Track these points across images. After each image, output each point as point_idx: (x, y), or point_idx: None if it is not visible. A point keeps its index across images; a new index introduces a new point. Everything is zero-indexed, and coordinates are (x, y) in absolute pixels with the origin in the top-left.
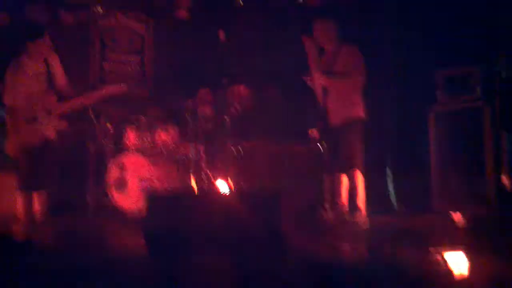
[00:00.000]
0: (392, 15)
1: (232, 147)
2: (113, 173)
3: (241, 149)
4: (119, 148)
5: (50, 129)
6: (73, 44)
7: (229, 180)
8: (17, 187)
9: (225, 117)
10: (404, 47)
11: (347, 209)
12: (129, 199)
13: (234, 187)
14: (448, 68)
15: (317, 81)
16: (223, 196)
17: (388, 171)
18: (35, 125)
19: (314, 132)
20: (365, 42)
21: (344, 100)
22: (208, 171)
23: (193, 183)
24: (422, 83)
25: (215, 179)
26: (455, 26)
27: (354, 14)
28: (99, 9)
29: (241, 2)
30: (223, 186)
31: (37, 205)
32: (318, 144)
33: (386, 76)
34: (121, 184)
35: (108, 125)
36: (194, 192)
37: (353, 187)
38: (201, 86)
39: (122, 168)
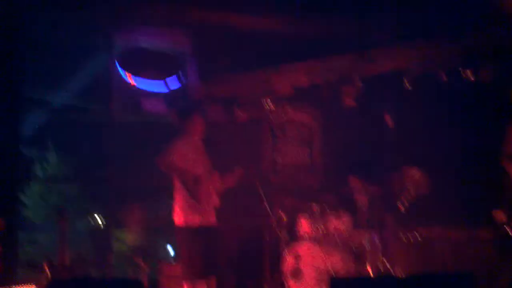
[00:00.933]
0: None
1: (407, 234)
2: (288, 262)
3: (418, 236)
4: (293, 237)
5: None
6: (247, 139)
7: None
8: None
9: (399, 202)
10: None
11: None
12: None
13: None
14: None
15: None
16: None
17: None
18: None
19: (499, 213)
20: None
21: None
22: (385, 260)
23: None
24: None
25: (392, 268)
26: None
27: None
28: (270, 104)
29: (407, 85)
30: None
31: None
32: (506, 227)
33: None
34: (297, 273)
35: (282, 214)
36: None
37: None
38: (371, 171)
39: (297, 257)
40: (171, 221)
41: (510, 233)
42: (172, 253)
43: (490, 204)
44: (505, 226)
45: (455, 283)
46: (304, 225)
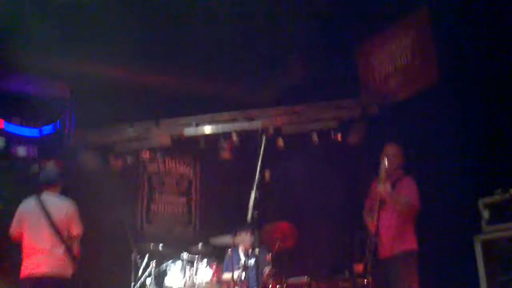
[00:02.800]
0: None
1: (276, 284)
2: None
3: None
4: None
5: None
6: (121, 188)
7: None
8: None
9: (268, 254)
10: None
11: None
12: None
13: None
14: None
15: (384, 189)
16: None
17: None
18: None
19: (359, 267)
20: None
21: (396, 231)
22: None
23: None
24: (465, 211)
25: None
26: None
27: None
28: (147, 155)
29: (281, 143)
30: None
31: None
32: (364, 278)
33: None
34: None
35: (151, 264)
36: None
37: None
38: (244, 224)
39: None
40: None
41: (365, 283)
42: None
43: (351, 256)
44: (361, 277)
45: None
46: (173, 275)
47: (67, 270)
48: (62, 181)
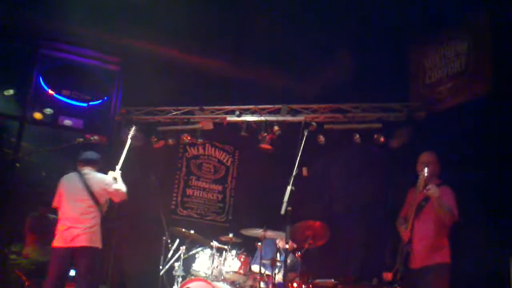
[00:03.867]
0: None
1: (300, 284)
2: None
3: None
4: (187, 273)
5: None
6: (160, 168)
7: None
8: None
9: (299, 252)
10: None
11: None
12: None
13: None
14: None
15: (434, 191)
16: None
17: None
18: None
19: (388, 275)
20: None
21: (430, 242)
22: None
23: None
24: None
25: None
26: None
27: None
28: (188, 138)
29: (323, 139)
30: None
31: None
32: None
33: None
34: None
35: (181, 248)
36: None
37: None
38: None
39: None
40: None
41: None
42: None
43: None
44: (390, 286)
45: None
46: (201, 262)
47: (99, 242)
48: (100, 162)
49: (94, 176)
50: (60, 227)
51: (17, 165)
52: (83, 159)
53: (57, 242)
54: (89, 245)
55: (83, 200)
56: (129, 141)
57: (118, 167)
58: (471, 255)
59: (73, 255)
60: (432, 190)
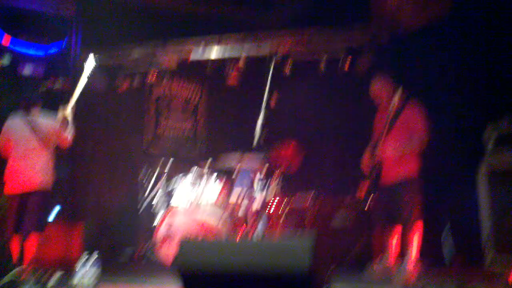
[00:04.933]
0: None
1: (279, 203)
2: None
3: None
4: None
5: None
6: (128, 110)
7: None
8: None
9: (275, 175)
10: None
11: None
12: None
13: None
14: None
15: (386, 154)
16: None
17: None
18: None
19: (361, 192)
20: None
21: (399, 159)
22: (256, 226)
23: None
24: (474, 137)
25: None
26: None
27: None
28: (154, 77)
29: (289, 70)
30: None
31: None
32: (367, 201)
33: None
34: (168, 238)
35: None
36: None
37: (407, 242)
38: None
39: (169, 224)
40: None
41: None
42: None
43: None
44: (363, 202)
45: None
46: (181, 193)
47: (50, 184)
48: (41, 101)
49: (40, 119)
50: (10, 173)
51: None
52: (27, 100)
53: (9, 189)
54: (40, 188)
55: (32, 144)
56: (85, 76)
57: (70, 105)
58: (440, 167)
59: (25, 199)
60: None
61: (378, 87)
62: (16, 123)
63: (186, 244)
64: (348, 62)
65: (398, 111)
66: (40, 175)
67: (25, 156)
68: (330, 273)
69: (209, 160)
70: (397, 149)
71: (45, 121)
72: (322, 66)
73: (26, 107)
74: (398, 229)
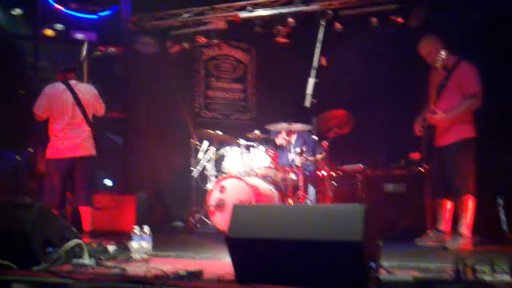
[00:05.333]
0: None
1: (329, 171)
2: (214, 195)
3: (337, 173)
4: (220, 171)
5: None
6: (179, 73)
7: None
8: None
9: (324, 141)
10: None
11: (450, 235)
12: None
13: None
14: None
15: (436, 120)
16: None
17: (499, 198)
18: None
19: (415, 155)
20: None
21: (453, 119)
22: (306, 195)
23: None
24: None
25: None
26: None
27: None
28: (203, 39)
29: (339, 26)
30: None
31: None
32: (420, 168)
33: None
34: (221, 204)
35: (210, 148)
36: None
37: (460, 213)
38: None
39: (222, 190)
40: None
41: (421, 171)
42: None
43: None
44: (417, 165)
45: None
46: (232, 161)
47: (94, 149)
48: (76, 68)
49: (80, 86)
50: (53, 138)
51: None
52: (65, 68)
53: (51, 154)
54: (86, 154)
55: (74, 110)
56: (83, 55)
57: None
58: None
59: (70, 165)
60: (438, 116)
61: (428, 45)
62: (57, 89)
63: (239, 210)
64: (400, 16)
65: (450, 71)
66: (84, 142)
67: (68, 123)
68: (382, 241)
69: (260, 124)
70: (450, 110)
71: (83, 87)
72: (374, 20)
73: (65, 73)
74: (452, 197)
